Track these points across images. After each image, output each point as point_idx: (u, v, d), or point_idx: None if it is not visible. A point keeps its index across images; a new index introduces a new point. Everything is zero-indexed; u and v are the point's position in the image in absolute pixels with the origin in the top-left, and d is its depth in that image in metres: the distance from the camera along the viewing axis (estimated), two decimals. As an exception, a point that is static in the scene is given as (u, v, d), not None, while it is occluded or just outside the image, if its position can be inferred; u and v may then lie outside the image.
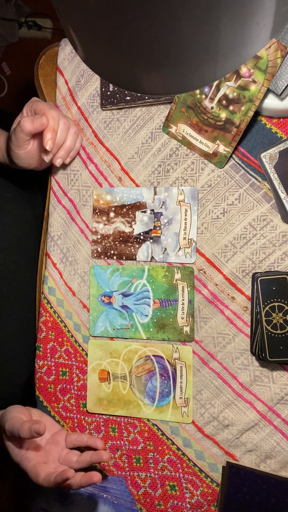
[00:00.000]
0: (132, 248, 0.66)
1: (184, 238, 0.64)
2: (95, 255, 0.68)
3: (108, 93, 0.67)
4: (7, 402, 0.65)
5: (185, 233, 0.64)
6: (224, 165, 0.62)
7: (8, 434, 0.57)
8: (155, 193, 0.66)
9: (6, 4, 1.67)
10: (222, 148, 0.61)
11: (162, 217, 0.65)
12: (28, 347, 0.75)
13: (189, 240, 0.64)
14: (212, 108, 0.60)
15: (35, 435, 0.54)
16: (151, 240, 0.66)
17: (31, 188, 0.86)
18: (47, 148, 0.60)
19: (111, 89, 0.67)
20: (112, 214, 0.68)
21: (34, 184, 0.87)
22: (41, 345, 0.71)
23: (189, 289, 0.64)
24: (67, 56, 0.71)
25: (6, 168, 0.75)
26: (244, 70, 0.56)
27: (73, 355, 0.69)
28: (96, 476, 0.54)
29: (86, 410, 0.68)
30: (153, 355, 0.65)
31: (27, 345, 0.75)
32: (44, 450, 0.60)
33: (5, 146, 0.69)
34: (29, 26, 1.69)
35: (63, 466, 0.59)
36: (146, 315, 0.66)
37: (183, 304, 0.64)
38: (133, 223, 0.67)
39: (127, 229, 0.67)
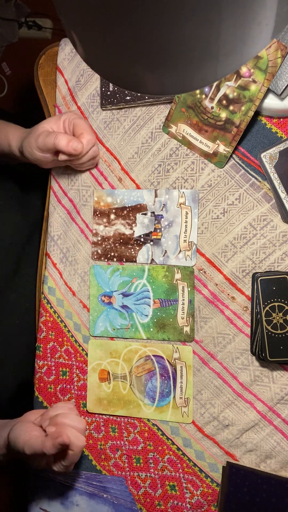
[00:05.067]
0: (132, 250, 0.66)
1: (185, 241, 0.64)
2: (95, 257, 0.68)
3: (108, 93, 0.67)
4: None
5: (185, 235, 0.64)
6: (224, 165, 0.62)
7: (28, 453, 0.57)
8: (156, 196, 0.65)
9: (6, 4, 1.67)
10: (222, 148, 0.61)
11: (162, 219, 0.65)
12: (27, 347, 0.75)
13: (190, 243, 0.64)
14: (212, 108, 0.60)
15: (60, 447, 0.55)
16: (152, 243, 0.66)
17: (30, 188, 0.86)
18: (60, 159, 0.62)
19: (111, 89, 0.67)
20: (112, 216, 0.68)
21: (33, 184, 0.87)
22: (41, 345, 0.71)
23: (189, 289, 0.64)
24: (67, 56, 0.71)
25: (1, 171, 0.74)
26: (244, 70, 0.56)
27: (73, 355, 0.69)
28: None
29: (86, 410, 0.68)
30: (153, 355, 0.65)
31: (26, 344, 0.75)
32: None
33: (17, 140, 0.67)
34: (29, 26, 1.69)
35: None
36: (146, 315, 0.66)
37: (183, 304, 0.64)
38: (133, 225, 0.67)
39: (128, 231, 0.67)
